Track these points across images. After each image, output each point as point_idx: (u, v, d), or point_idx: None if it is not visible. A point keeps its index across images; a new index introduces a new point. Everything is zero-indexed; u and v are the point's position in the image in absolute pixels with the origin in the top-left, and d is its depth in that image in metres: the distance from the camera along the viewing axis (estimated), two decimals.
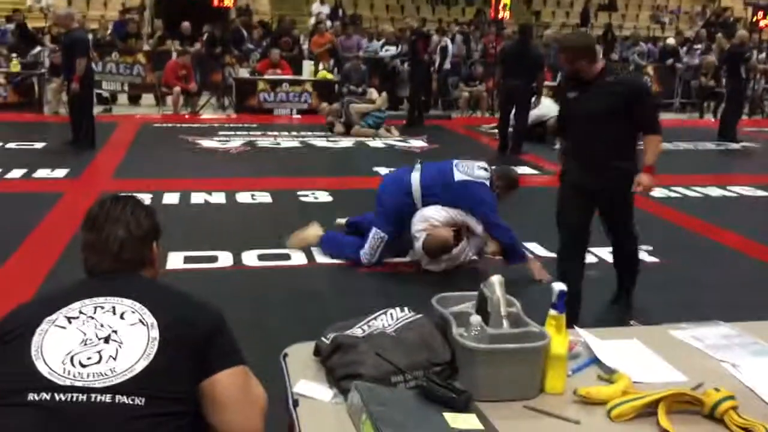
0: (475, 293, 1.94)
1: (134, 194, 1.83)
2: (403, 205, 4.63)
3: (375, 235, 4.63)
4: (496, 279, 1.84)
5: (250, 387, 1.61)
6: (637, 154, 3.92)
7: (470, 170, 4.63)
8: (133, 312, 1.56)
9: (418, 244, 4.49)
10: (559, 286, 1.73)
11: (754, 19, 17.42)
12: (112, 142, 9.12)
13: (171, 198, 6.22)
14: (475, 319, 1.72)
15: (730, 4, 22.40)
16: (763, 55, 15.66)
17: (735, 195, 7.25)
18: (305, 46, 14.54)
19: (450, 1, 21.08)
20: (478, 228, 4.62)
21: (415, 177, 4.68)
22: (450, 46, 14.00)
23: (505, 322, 1.79)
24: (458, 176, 4.60)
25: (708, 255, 5.16)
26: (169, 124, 10.76)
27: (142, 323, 1.54)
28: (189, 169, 7.63)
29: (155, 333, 1.53)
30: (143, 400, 1.46)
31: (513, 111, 9.34)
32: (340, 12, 17.90)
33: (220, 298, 3.88)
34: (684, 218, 6.18)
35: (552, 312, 1.75)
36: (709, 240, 5.57)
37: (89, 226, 1.70)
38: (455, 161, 4.75)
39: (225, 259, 4.76)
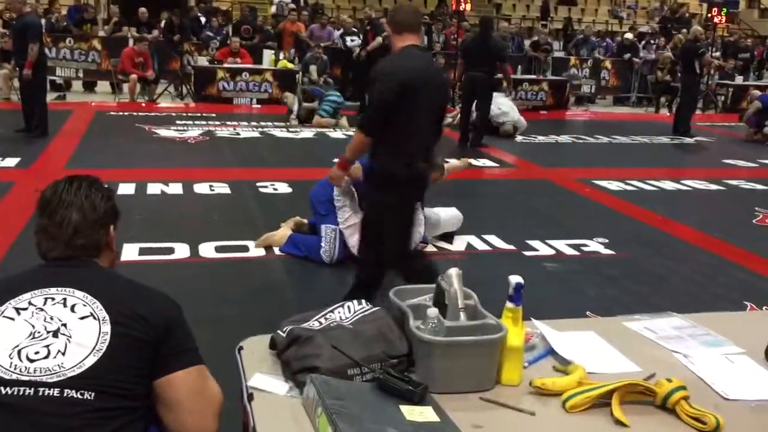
0: (432, 286, 1.94)
1: (91, 175, 1.76)
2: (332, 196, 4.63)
3: (325, 230, 4.58)
4: (453, 271, 1.84)
5: (205, 387, 1.58)
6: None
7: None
8: (85, 305, 1.51)
9: (353, 241, 4.46)
10: (516, 279, 1.73)
11: (709, 16, 17.77)
12: (66, 130, 8.91)
13: (127, 188, 6.10)
14: (433, 311, 1.71)
15: (686, 0, 22.83)
16: (717, 51, 16.01)
17: (689, 188, 7.40)
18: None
19: None
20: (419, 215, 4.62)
21: None
22: None
23: (462, 315, 1.79)
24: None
25: (662, 247, 5.26)
26: (126, 113, 10.56)
27: (94, 317, 1.50)
28: (145, 158, 7.49)
29: (107, 327, 1.49)
30: (92, 394, 1.42)
31: (474, 103, 9.41)
32: (302, 1, 17.75)
33: (177, 291, 3.82)
34: (639, 211, 6.29)
35: (509, 304, 1.75)
36: (664, 233, 5.67)
37: (42, 210, 1.64)
38: None
39: (182, 250, 4.68)
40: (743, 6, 23.76)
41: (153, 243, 4.73)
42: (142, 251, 4.59)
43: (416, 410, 1.55)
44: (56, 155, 7.57)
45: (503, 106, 10.23)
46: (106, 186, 1.74)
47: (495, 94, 9.84)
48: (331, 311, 1.91)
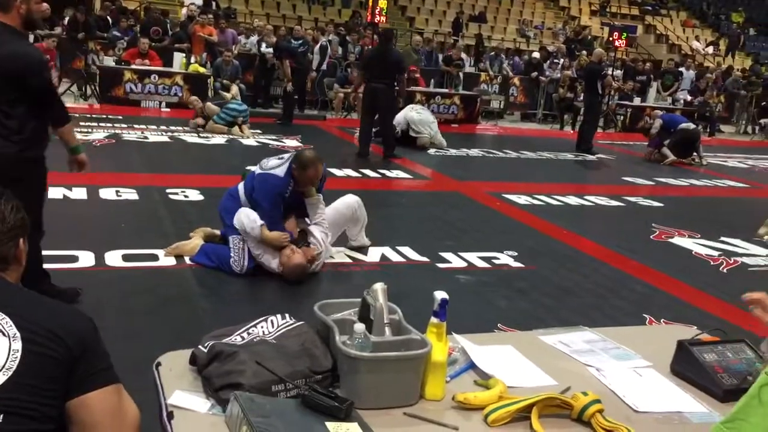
0: (356, 300, 1.94)
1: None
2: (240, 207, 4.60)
3: (233, 240, 4.51)
4: (379, 286, 1.85)
5: (122, 407, 1.51)
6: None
7: (266, 163, 4.65)
8: None
9: (273, 264, 4.45)
10: (440, 295, 1.75)
11: (611, 39, 18.67)
12: None
13: None
14: (359, 327, 1.71)
15: (588, 23, 23.88)
16: (618, 72, 16.81)
17: (591, 204, 7.72)
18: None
19: (326, 2, 21.10)
20: (315, 230, 4.63)
21: (241, 186, 4.69)
22: (329, 46, 14.04)
23: (387, 330, 1.80)
24: (257, 171, 4.64)
25: (568, 261, 5.45)
26: None
27: (3, 334, 1.41)
28: (47, 161, 7.14)
29: (17, 345, 1.41)
30: (1, 416, 1.34)
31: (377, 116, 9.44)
32: (214, 4, 17.44)
33: (81, 301, 3.69)
34: (546, 225, 6.50)
35: (433, 320, 1.77)
36: (569, 246, 5.89)
37: None
38: (269, 157, 4.80)
39: (86, 259, 4.49)
40: (641, 31, 25.10)
41: (55, 251, 4.48)
42: (43, 259, 4.36)
43: (342, 426, 1.54)
44: None
45: (428, 121, 10.43)
46: (13, 197, 1.66)
47: (419, 107, 9.97)
48: (254, 326, 1.88)
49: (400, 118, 10.39)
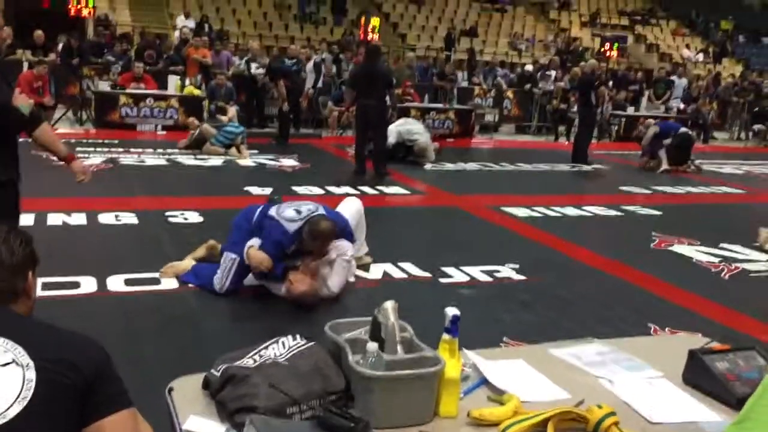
0: (366, 319, 1.94)
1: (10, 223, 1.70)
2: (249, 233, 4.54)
3: (225, 257, 4.46)
4: (389, 305, 1.85)
5: (138, 431, 1.51)
6: None
7: (284, 210, 4.44)
8: (5, 351, 1.42)
9: (276, 290, 4.43)
10: (452, 311, 1.75)
11: (602, 50, 18.80)
12: None
13: (25, 220, 5.71)
14: (372, 346, 1.71)
15: (579, 34, 24.06)
16: (611, 82, 16.91)
17: (590, 214, 7.74)
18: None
19: (318, 21, 21.24)
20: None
21: (258, 210, 4.62)
22: (323, 64, 14.10)
23: (399, 348, 1.80)
24: (271, 212, 4.47)
25: (570, 272, 5.46)
26: (21, 139, 10.00)
27: (16, 363, 1.41)
28: (44, 188, 7.10)
29: (31, 374, 1.41)
30: None
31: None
32: (206, 27, 17.54)
33: (85, 327, 3.65)
34: (546, 237, 6.51)
35: (445, 336, 1.77)
36: (570, 258, 5.89)
37: None
38: (291, 202, 4.64)
39: (88, 284, 4.48)
40: (631, 41, 25.29)
41: (56, 277, 4.48)
42: (45, 286, 4.33)
43: None
44: None
45: (417, 130, 10.47)
46: (24, 231, 1.69)
47: (408, 120, 9.98)
48: (265, 348, 1.87)
49: (392, 130, 10.42)
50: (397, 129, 10.44)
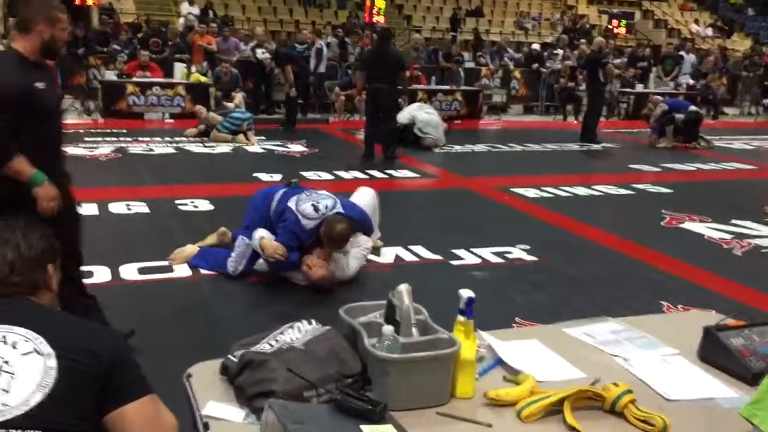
0: (380, 302, 1.95)
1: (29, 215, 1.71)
2: (265, 220, 4.55)
3: (240, 241, 4.50)
4: (404, 288, 1.85)
5: (160, 417, 1.53)
6: None
7: (303, 205, 4.41)
8: (27, 341, 1.44)
9: (295, 279, 4.44)
10: (466, 293, 1.76)
11: (610, 26, 18.61)
12: None
13: None
14: (388, 329, 1.72)
15: (586, 11, 23.84)
16: (618, 60, 16.76)
17: (600, 193, 7.71)
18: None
19: (323, 4, 21.12)
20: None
21: (279, 195, 4.60)
22: (325, 49, 14.04)
23: (414, 331, 1.81)
24: (291, 203, 4.44)
25: (581, 252, 5.45)
26: None
27: (38, 352, 1.43)
28: None
29: (52, 362, 1.43)
30: None
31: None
32: (211, 13, 17.48)
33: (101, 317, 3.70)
34: (557, 217, 6.50)
35: (460, 318, 1.78)
36: (580, 237, 5.88)
37: None
38: (308, 192, 4.61)
39: (102, 274, 4.51)
40: (638, 17, 25.03)
41: None
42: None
43: (377, 429, 1.54)
44: None
45: (435, 123, 10.42)
46: (43, 225, 1.70)
47: (428, 107, 9.92)
48: (281, 333, 1.89)
49: (405, 113, 10.38)
50: (411, 112, 10.42)
